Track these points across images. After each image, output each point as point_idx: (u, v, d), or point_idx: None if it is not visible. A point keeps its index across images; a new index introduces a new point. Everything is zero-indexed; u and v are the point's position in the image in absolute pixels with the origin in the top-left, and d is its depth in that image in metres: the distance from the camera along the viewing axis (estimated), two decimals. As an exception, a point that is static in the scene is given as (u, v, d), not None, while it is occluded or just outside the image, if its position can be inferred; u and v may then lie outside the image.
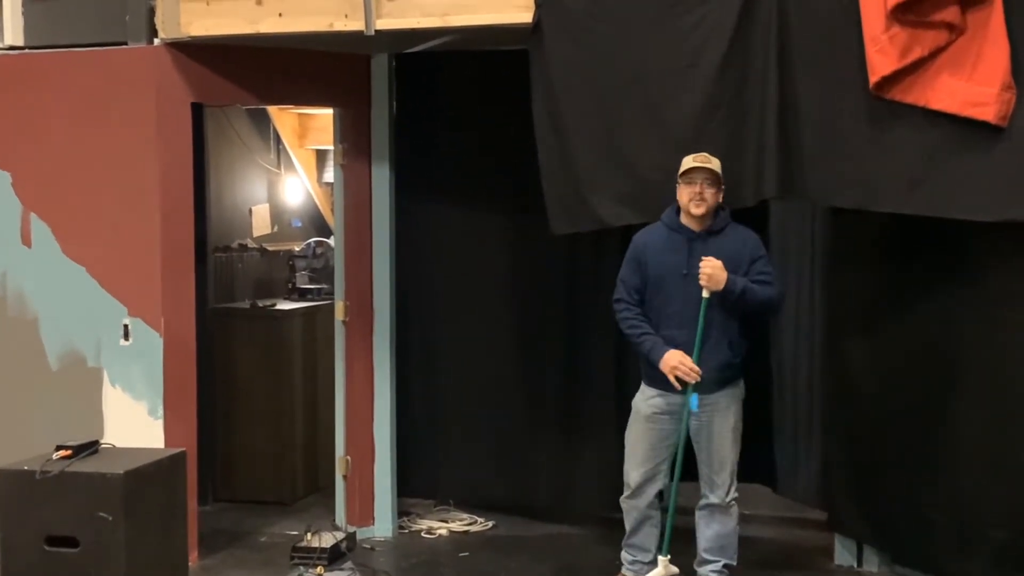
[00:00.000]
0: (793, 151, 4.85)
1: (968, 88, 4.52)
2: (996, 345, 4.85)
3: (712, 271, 4.78)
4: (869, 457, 5.37)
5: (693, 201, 4.86)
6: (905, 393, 5.18)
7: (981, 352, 4.90)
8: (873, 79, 4.62)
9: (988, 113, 4.48)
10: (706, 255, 4.83)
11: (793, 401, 6.01)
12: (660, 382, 4.95)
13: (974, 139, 4.54)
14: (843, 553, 5.66)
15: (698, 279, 4.81)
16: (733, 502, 5.00)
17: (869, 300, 5.33)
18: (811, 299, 5.84)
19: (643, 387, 5.06)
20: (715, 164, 4.85)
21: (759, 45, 4.87)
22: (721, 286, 4.78)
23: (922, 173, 4.66)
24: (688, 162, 4.86)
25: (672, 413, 4.95)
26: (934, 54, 4.55)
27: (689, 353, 4.82)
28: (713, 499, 4.99)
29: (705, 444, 4.96)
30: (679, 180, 4.90)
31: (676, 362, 4.81)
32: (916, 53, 4.55)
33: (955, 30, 4.52)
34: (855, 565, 5.61)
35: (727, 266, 4.83)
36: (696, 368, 4.80)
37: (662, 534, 5.03)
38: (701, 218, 4.90)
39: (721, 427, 4.94)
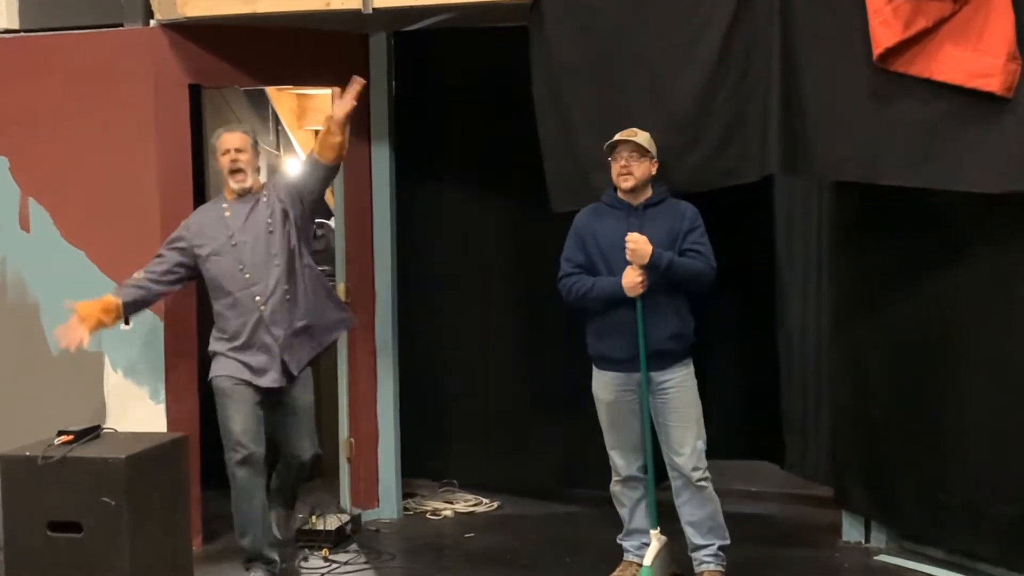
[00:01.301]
0: (797, 125, 4.81)
1: (973, 59, 4.48)
2: (1005, 321, 4.81)
3: (635, 245, 4.76)
4: (877, 433, 5.33)
5: (621, 176, 4.87)
6: (913, 369, 5.15)
7: (990, 328, 4.85)
8: (876, 51, 4.58)
9: (993, 84, 4.44)
10: (644, 229, 4.82)
11: (801, 378, 5.99)
12: (610, 362, 4.94)
13: (980, 111, 4.50)
14: (851, 530, 5.62)
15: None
16: (704, 481, 4.92)
17: (877, 276, 5.29)
18: (818, 275, 5.80)
19: (595, 372, 5.02)
20: (641, 137, 4.84)
21: (763, 19, 4.82)
22: (646, 260, 4.75)
23: (927, 146, 4.62)
24: (614, 138, 4.86)
25: (631, 388, 4.93)
26: (938, 25, 4.51)
27: (634, 329, 4.81)
28: (680, 480, 4.93)
29: (667, 424, 4.91)
30: (609, 158, 4.89)
31: (631, 278, 4.78)
32: (920, 24, 4.50)
33: (959, 0, 4.46)
34: (863, 542, 5.58)
35: (665, 239, 4.82)
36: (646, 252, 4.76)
37: (662, 512, 5.01)
38: (636, 192, 4.89)
39: (681, 403, 4.89)
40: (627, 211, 4.92)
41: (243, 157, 5.15)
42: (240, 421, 5.02)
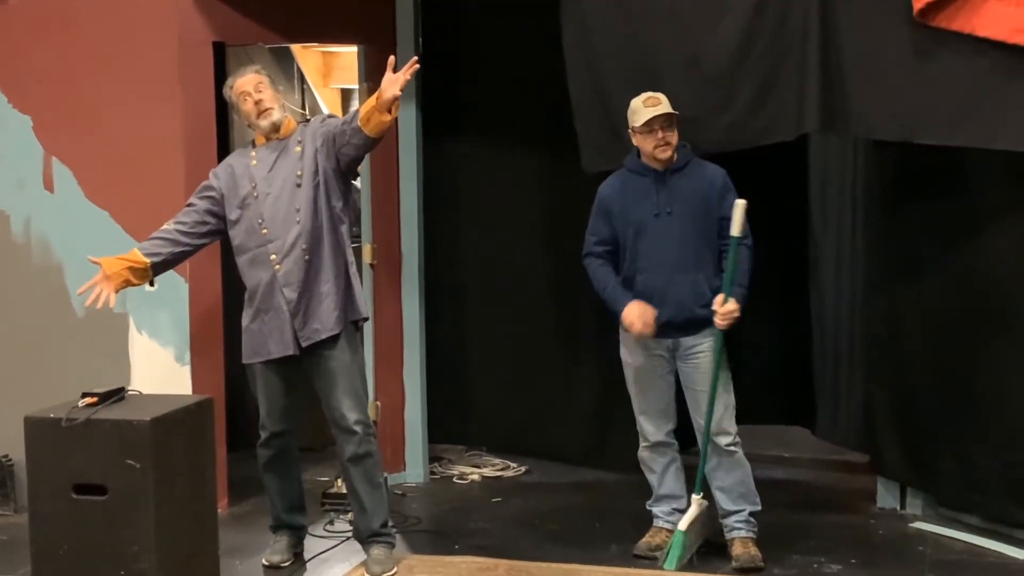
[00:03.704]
0: (835, 83, 4.70)
1: (1017, 14, 4.37)
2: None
3: (730, 318, 4.69)
4: (913, 397, 5.25)
5: (659, 148, 4.77)
6: (951, 332, 5.05)
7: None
8: (917, 5, 4.48)
9: (1038, 39, 4.32)
10: (675, 194, 4.76)
11: (834, 341, 5.91)
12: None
13: (1023, 67, 4.36)
14: (885, 496, 5.55)
15: (671, 218, 4.75)
16: (733, 446, 4.84)
17: (913, 237, 5.19)
18: (852, 236, 5.71)
19: (623, 336, 4.94)
20: (666, 103, 4.74)
21: (799, -27, 4.71)
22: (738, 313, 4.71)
23: (969, 104, 4.51)
24: (640, 109, 4.75)
25: (660, 353, 4.86)
26: (981, -22, 4.39)
27: (665, 296, 4.75)
28: (709, 446, 4.84)
29: (696, 389, 4.84)
30: (635, 130, 4.79)
31: (634, 317, 4.75)
32: (962, -24, 4.39)
33: (1004, -47, 4.35)
34: (898, 508, 5.50)
35: (699, 207, 4.74)
36: (650, 323, 4.74)
37: (692, 476, 4.94)
38: (668, 157, 4.81)
39: (709, 368, 4.79)
40: (654, 178, 4.83)
41: (265, 95, 4.77)
42: (264, 403, 4.91)
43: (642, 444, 5.02)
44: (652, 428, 4.96)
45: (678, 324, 4.79)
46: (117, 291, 4.79)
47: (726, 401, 4.83)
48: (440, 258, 6.33)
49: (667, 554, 4.79)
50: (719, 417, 4.81)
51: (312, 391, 4.93)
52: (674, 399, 4.95)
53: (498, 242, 6.40)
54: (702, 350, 4.81)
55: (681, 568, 4.75)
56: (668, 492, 5.02)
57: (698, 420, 4.88)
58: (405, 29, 5.99)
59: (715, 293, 4.77)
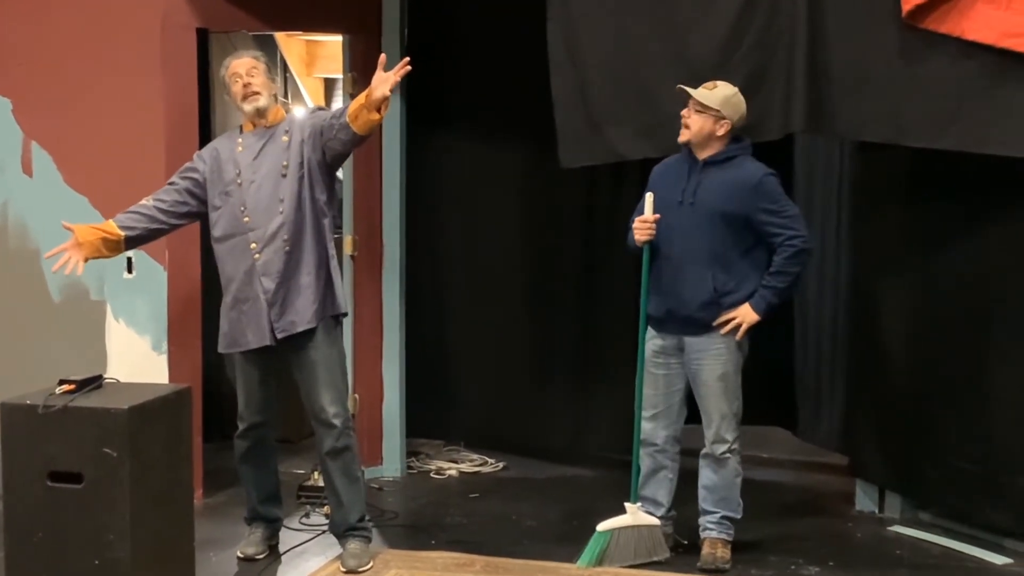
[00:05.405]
0: (822, 83, 4.69)
1: (1006, 18, 4.37)
2: (1029, 286, 4.71)
3: (742, 322, 4.67)
4: (894, 401, 5.25)
5: (682, 127, 4.73)
6: (934, 335, 5.05)
7: (1014, 294, 4.76)
8: (906, 7, 4.48)
9: (1027, 44, 4.32)
10: (704, 185, 4.69)
11: (816, 343, 5.90)
12: (656, 322, 4.82)
13: (1012, 71, 4.38)
14: (864, 499, 5.54)
15: (693, 209, 4.69)
16: (728, 454, 4.79)
17: (898, 239, 5.19)
18: (837, 238, 5.70)
19: (648, 329, 4.91)
20: (711, 94, 4.65)
21: (789, -30, 4.70)
22: (758, 319, 4.67)
23: (957, 107, 4.51)
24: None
25: (668, 352, 4.81)
26: (971, -19, 4.39)
27: (669, 288, 4.72)
28: (706, 448, 4.85)
29: (697, 392, 4.82)
30: None
31: (637, 223, 4.74)
32: (952, -21, 4.39)
33: (994, -44, 4.35)
34: (876, 511, 5.49)
35: (720, 198, 4.65)
36: (648, 219, 4.70)
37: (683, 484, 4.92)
38: (702, 147, 4.73)
39: (708, 376, 4.75)
40: (690, 166, 4.78)
41: (256, 80, 4.73)
42: (242, 394, 4.89)
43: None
44: (649, 427, 4.90)
45: (679, 319, 4.73)
46: (87, 260, 4.70)
47: (727, 409, 4.77)
48: (421, 251, 6.29)
49: (583, 551, 4.76)
50: (717, 425, 4.77)
51: (290, 383, 4.89)
52: (681, 405, 4.89)
53: (480, 236, 6.37)
54: (707, 355, 4.75)
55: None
56: (649, 495, 4.96)
57: (702, 418, 4.83)
58: (391, 19, 5.95)
59: (727, 295, 4.70)
